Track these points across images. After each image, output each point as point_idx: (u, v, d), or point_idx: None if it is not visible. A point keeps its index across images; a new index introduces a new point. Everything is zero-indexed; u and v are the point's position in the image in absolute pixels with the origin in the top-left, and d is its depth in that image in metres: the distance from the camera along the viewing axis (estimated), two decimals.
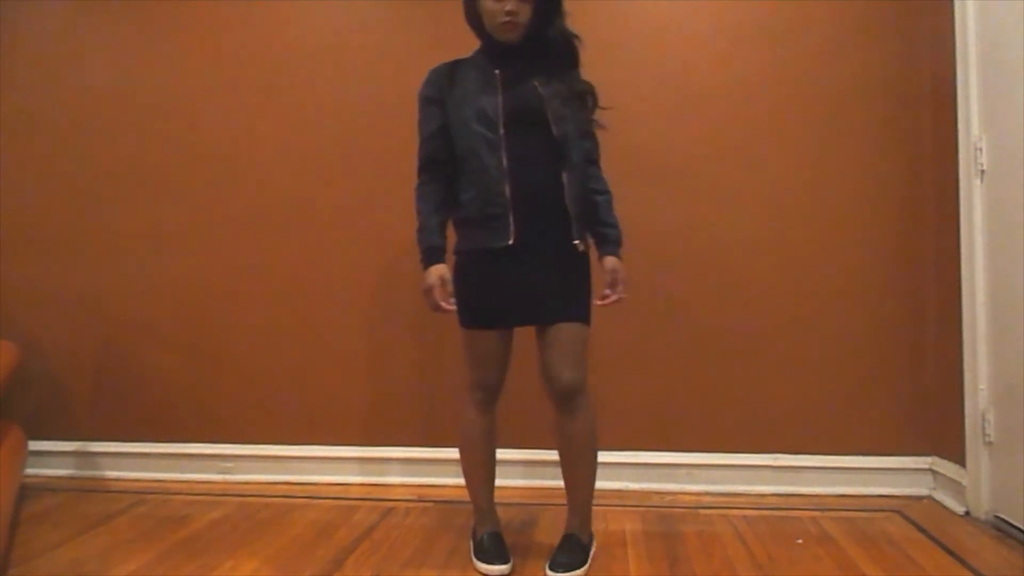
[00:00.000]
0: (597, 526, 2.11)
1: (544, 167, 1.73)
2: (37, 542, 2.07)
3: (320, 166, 2.60)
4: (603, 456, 2.36)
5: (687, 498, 2.35)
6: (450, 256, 1.82)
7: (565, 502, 1.85)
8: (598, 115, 1.84)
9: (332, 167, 2.59)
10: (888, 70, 2.34)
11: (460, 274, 1.81)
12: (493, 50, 1.79)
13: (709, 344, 2.42)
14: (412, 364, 2.56)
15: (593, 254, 1.86)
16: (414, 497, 2.40)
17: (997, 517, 2.03)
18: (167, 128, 2.69)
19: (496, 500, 1.96)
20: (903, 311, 2.35)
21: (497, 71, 1.75)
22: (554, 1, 1.75)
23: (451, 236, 1.84)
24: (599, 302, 1.80)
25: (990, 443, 2.06)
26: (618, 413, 2.42)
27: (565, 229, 1.74)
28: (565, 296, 1.75)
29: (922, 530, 2.02)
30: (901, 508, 2.20)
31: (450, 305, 1.77)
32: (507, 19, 1.70)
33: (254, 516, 2.27)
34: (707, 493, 2.38)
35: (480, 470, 1.91)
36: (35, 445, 2.53)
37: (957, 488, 2.17)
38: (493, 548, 1.83)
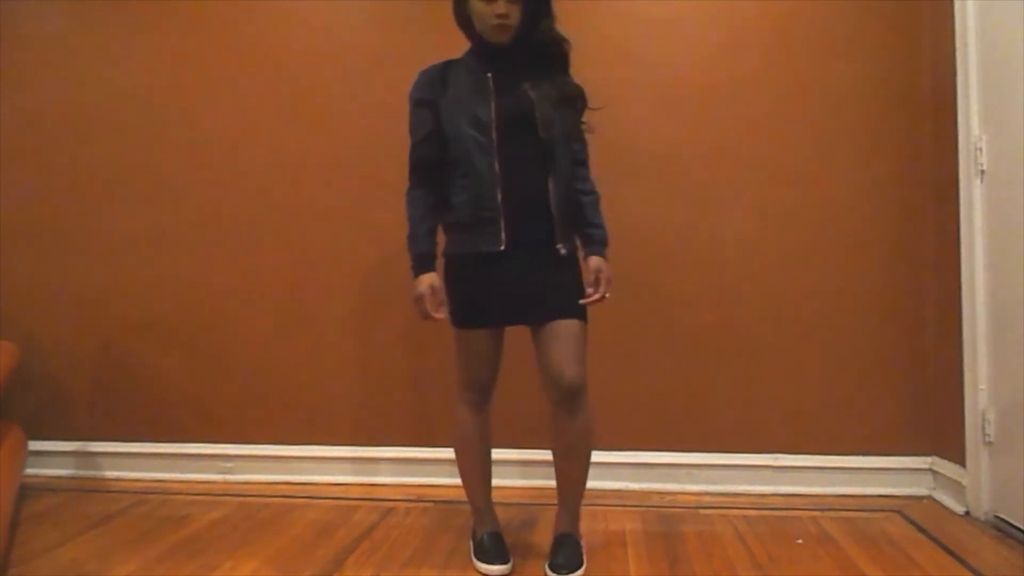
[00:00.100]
0: (597, 526, 2.11)
1: (534, 171, 1.74)
2: (37, 542, 2.07)
3: (319, 166, 2.60)
4: (603, 456, 2.38)
5: (687, 498, 2.35)
6: (439, 258, 1.83)
7: (556, 501, 1.85)
8: (587, 117, 1.84)
9: (331, 167, 2.59)
10: (888, 70, 2.34)
11: (451, 276, 1.82)
12: (484, 52, 1.78)
13: (709, 344, 2.42)
14: (412, 365, 2.56)
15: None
16: (414, 497, 2.40)
17: (997, 517, 2.03)
18: (167, 128, 2.69)
19: (495, 500, 1.96)
20: (903, 311, 2.35)
21: (489, 74, 1.75)
22: (544, 3, 1.75)
23: (440, 238, 1.85)
24: (582, 300, 1.80)
25: (990, 443, 2.06)
26: (618, 413, 2.42)
27: (550, 232, 1.75)
28: (561, 294, 1.75)
29: (922, 530, 2.03)
30: (901, 508, 2.20)
31: (440, 314, 1.78)
32: (498, 21, 1.70)
33: (254, 516, 2.27)
34: (707, 493, 2.38)
35: (476, 470, 1.91)
36: (35, 445, 2.53)
37: (957, 488, 2.17)
38: (493, 548, 1.83)
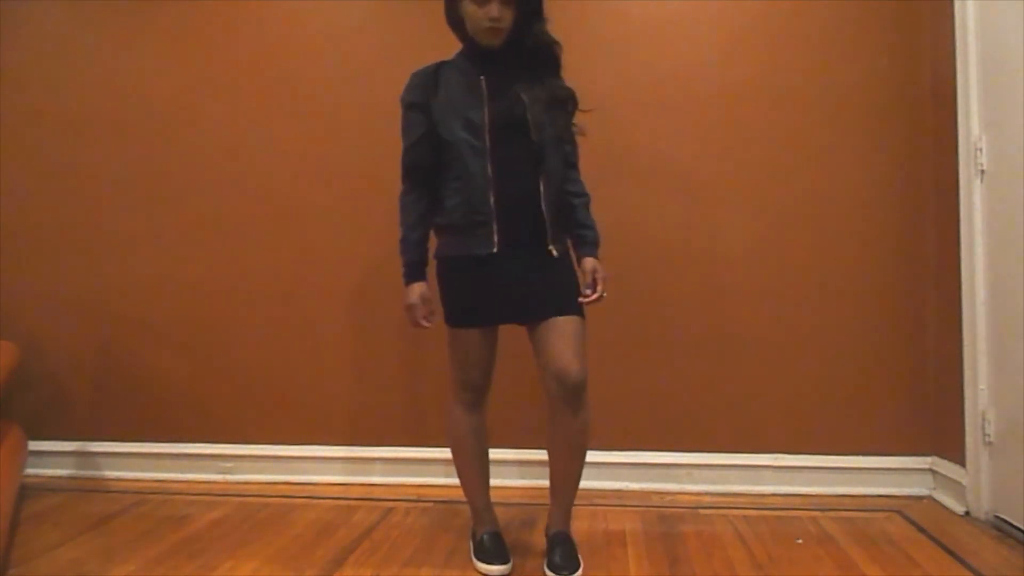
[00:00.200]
0: (597, 526, 2.12)
1: (526, 173, 1.74)
2: (37, 542, 2.07)
3: (318, 167, 2.60)
4: (603, 456, 2.39)
5: (687, 498, 2.35)
6: (432, 259, 1.85)
7: (550, 500, 1.85)
8: (578, 119, 1.84)
9: (330, 168, 2.59)
10: (888, 70, 2.34)
11: (443, 277, 1.83)
12: (476, 54, 1.79)
13: (709, 344, 2.42)
14: (411, 365, 2.56)
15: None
16: (414, 497, 2.40)
17: (997, 517, 2.03)
18: (167, 129, 2.69)
19: (495, 500, 1.96)
20: (903, 311, 2.35)
21: (482, 77, 1.75)
22: (536, 6, 1.75)
23: (433, 240, 1.86)
24: (581, 300, 1.80)
25: (990, 443, 2.06)
26: (618, 413, 2.42)
27: (542, 234, 1.75)
28: (559, 291, 1.76)
29: (922, 530, 2.03)
30: (901, 508, 2.20)
31: (429, 323, 1.82)
32: (491, 24, 1.70)
33: (254, 516, 2.27)
34: (707, 493, 2.38)
35: (473, 470, 1.91)
36: (35, 445, 2.53)
37: (957, 488, 2.17)
38: (493, 548, 1.84)
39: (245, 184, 2.65)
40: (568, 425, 1.73)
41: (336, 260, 2.59)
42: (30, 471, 2.62)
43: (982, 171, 2.07)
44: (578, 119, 1.85)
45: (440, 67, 1.81)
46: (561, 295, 1.75)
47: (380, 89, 2.51)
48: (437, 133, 1.76)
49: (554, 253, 1.76)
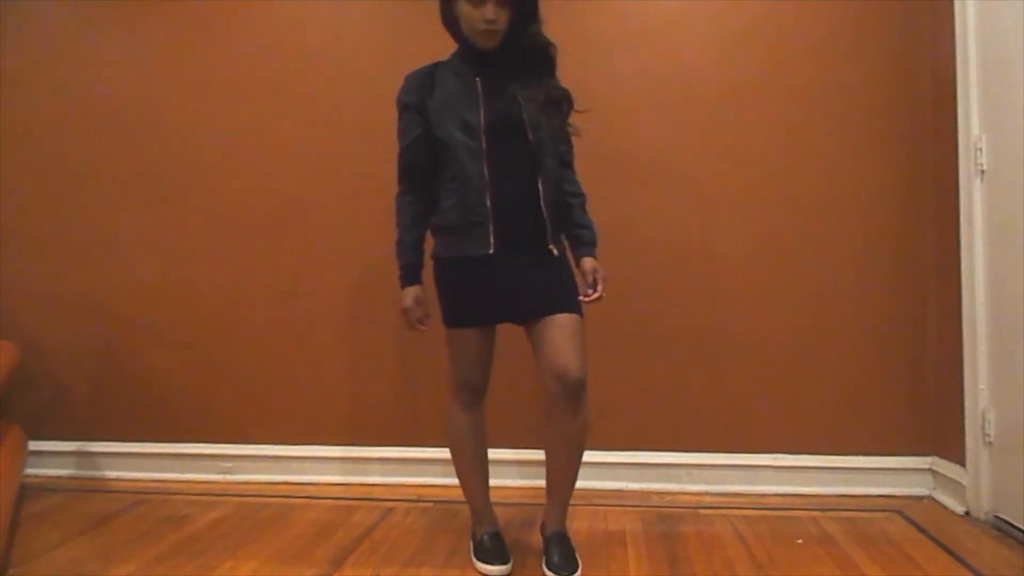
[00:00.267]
0: (597, 526, 2.12)
1: (522, 174, 1.74)
2: (37, 542, 2.07)
3: (318, 168, 2.60)
4: (603, 456, 2.40)
5: (687, 498, 2.35)
6: (429, 260, 1.85)
7: (546, 499, 1.85)
8: (573, 119, 1.85)
9: (329, 169, 2.59)
10: (888, 70, 2.34)
11: (440, 278, 1.83)
12: (471, 55, 1.79)
13: (709, 344, 2.42)
14: (412, 365, 2.56)
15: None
16: (414, 497, 2.40)
17: (997, 517, 2.03)
18: (167, 129, 2.69)
19: (495, 500, 1.96)
20: (903, 311, 2.35)
21: (477, 78, 1.76)
22: (531, 7, 1.75)
23: (429, 240, 1.87)
24: (582, 299, 1.80)
25: (990, 443, 2.06)
26: (618, 413, 2.42)
27: (540, 233, 1.76)
28: (558, 289, 1.76)
29: (922, 530, 2.03)
30: (901, 508, 2.20)
31: (424, 326, 1.84)
32: (486, 27, 1.70)
33: (254, 516, 2.27)
34: (707, 493, 2.38)
35: (472, 470, 1.91)
36: (35, 445, 2.53)
37: (957, 488, 2.17)
38: (493, 548, 1.84)
39: (245, 184, 2.65)
40: (567, 424, 1.72)
41: (336, 260, 2.59)
42: (30, 471, 2.62)
43: (982, 171, 2.07)
44: (573, 119, 1.85)
45: (436, 68, 1.82)
46: (560, 293, 1.75)
47: (379, 89, 2.50)
48: (433, 134, 1.76)
49: (554, 252, 1.77)
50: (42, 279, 2.76)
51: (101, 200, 2.73)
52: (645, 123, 2.43)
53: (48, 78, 2.76)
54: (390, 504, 2.34)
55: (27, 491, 2.46)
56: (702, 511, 2.23)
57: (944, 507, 2.21)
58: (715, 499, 2.34)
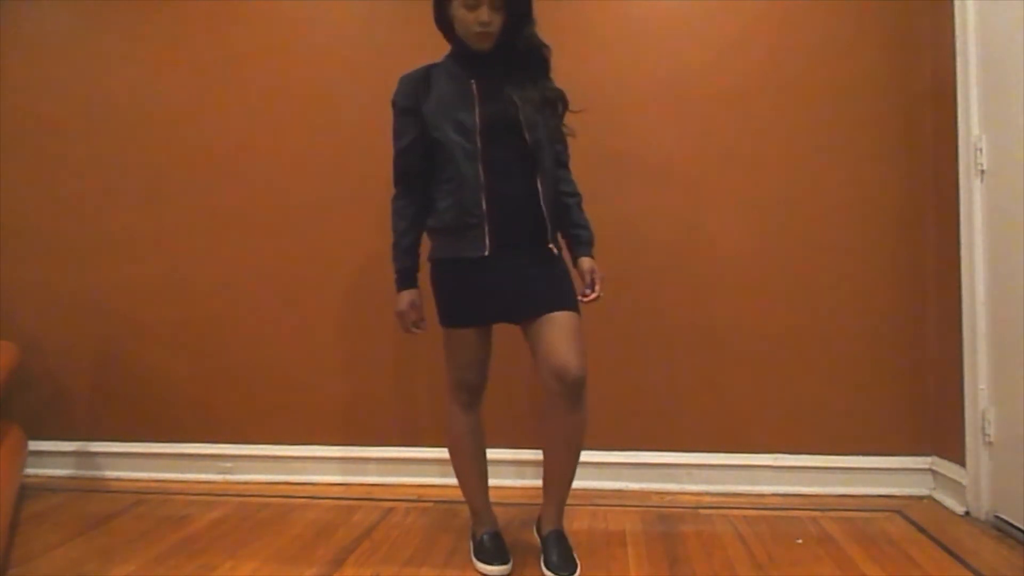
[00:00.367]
0: (597, 526, 2.12)
1: (518, 174, 1.74)
2: (37, 542, 2.07)
3: (318, 167, 2.60)
4: (603, 456, 2.40)
5: (687, 498, 2.35)
6: (425, 262, 1.86)
7: (543, 498, 1.86)
8: (568, 120, 1.85)
9: (330, 168, 2.59)
10: (888, 70, 2.34)
11: (437, 279, 1.83)
12: (466, 57, 1.79)
13: (709, 344, 2.42)
14: (412, 366, 2.56)
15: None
16: (414, 497, 2.40)
17: (997, 517, 2.03)
18: (167, 129, 2.69)
19: (494, 501, 1.96)
20: (903, 310, 2.34)
21: (472, 80, 1.76)
22: (525, 9, 1.75)
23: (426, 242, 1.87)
24: (581, 299, 1.80)
25: (990, 443, 2.06)
26: (618, 413, 2.42)
27: (540, 233, 1.76)
28: (555, 287, 1.76)
29: (922, 530, 2.03)
30: (901, 508, 2.20)
31: (419, 329, 1.85)
32: (480, 29, 1.70)
33: (254, 516, 2.27)
34: (707, 493, 2.38)
35: (471, 470, 1.91)
36: (35, 445, 2.53)
37: (957, 488, 2.17)
38: (493, 548, 1.84)
39: (245, 184, 2.65)
40: (566, 422, 1.72)
41: (336, 260, 2.59)
42: (30, 471, 2.62)
43: (982, 171, 2.07)
44: (568, 119, 1.85)
45: (430, 70, 1.82)
46: (557, 292, 1.75)
47: (380, 89, 2.49)
48: (429, 136, 1.76)
49: (554, 251, 1.77)
50: (42, 279, 2.76)
51: (101, 200, 2.73)
52: (644, 123, 2.43)
53: (48, 78, 2.76)
54: (390, 504, 2.34)
55: (27, 491, 2.46)
56: (702, 511, 2.23)
57: (944, 507, 2.21)
58: (715, 499, 2.34)
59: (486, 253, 1.72)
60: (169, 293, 2.69)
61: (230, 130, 2.65)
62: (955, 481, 2.18)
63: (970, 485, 2.11)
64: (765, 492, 2.37)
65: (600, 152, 2.38)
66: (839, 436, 2.36)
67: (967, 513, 2.12)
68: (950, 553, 1.86)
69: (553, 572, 1.71)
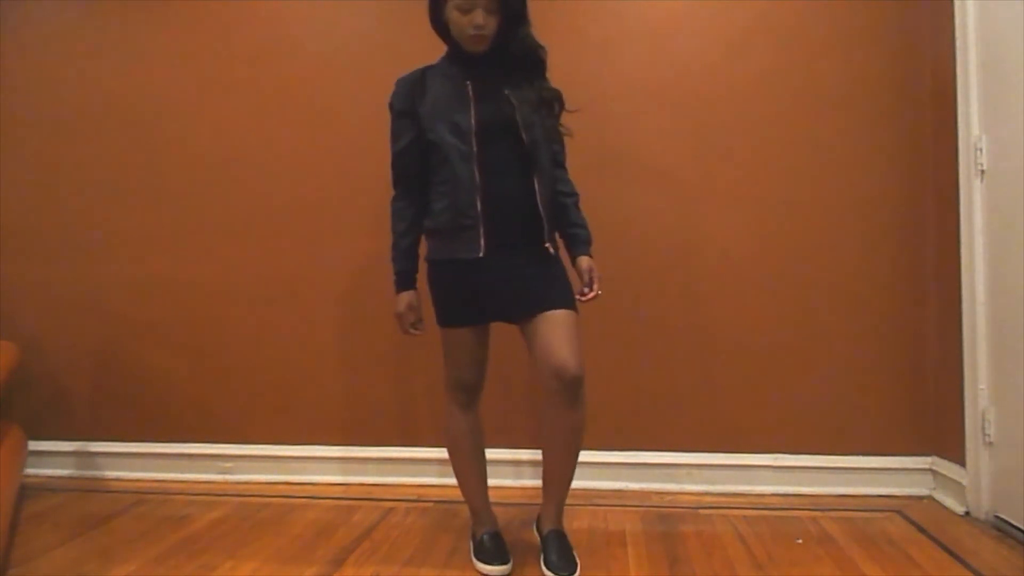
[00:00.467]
0: (597, 526, 2.12)
1: (514, 174, 1.75)
2: (37, 542, 2.07)
3: (317, 167, 2.60)
4: (603, 456, 2.40)
5: (687, 498, 2.35)
6: (423, 263, 1.87)
7: (543, 497, 1.86)
8: (565, 119, 1.86)
9: (328, 168, 2.59)
10: (888, 70, 2.34)
11: (433, 280, 1.84)
12: (461, 58, 1.79)
13: (709, 344, 2.42)
14: (412, 366, 2.56)
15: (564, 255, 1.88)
16: (414, 497, 2.40)
17: (997, 517, 2.03)
18: (166, 130, 2.69)
19: (494, 501, 1.96)
20: (903, 310, 2.34)
21: (468, 82, 1.76)
22: (520, 10, 1.75)
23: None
24: (579, 298, 1.80)
25: (990, 443, 2.06)
26: (618, 413, 2.42)
27: (537, 232, 1.76)
28: (552, 286, 1.76)
29: (922, 530, 2.02)
30: (901, 508, 2.20)
31: (417, 330, 1.86)
32: (475, 32, 1.71)
33: (254, 516, 2.27)
34: (707, 493, 2.38)
35: (470, 470, 1.91)
36: (35, 445, 2.53)
37: (957, 488, 2.17)
38: (493, 548, 1.84)
39: (245, 184, 2.65)
40: (565, 421, 1.72)
41: (336, 260, 2.59)
42: (30, 471, 2.62)
43: (982, 171, 2.07)
44: (565, 119, 1.86)
45: (426, 72, 1.82)
46: (554, 290, 1.75)
47: (380, 89, 2.49)
48: (425, 138, 1.77)
49: (551, 250, 1.77)
50: (42, 279, 2.76)
51: (101, 200, 2.73)
52: (643, 123, 2.43)
53: (48, 78, 2.76)
54: (390, 504, 2.34)
55: (27, 491, 2.46)
56: (702, 511, 2.23)
57: (944, 507, 2.21)
58: (715, 499, 2.34)
59: (480, 255, 1.72)
60: (169, 293, 2.69)
61: (230, 130, 2.65)
62: (955, 481, 2.18)
63: (970, 485, 2.11)
64: (765, 492, 2.37)
65: (599, 152, 2.38)
66: (839, 436, 2.36)
67: (967, 513, 2.12)
68: (950, 553, 1.86)
69: (553, 572, 1.71)
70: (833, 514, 2.17)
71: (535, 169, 1.75)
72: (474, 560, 1.85)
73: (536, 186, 1.74)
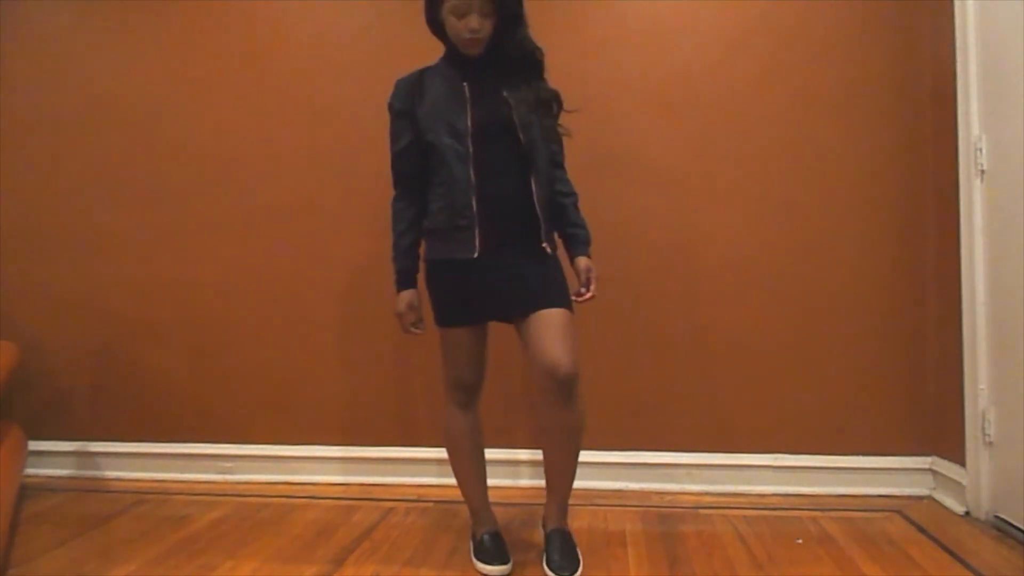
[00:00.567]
0: (597, 526, 2.11)
1: (511, 175, 1.75)
2: (37, 542, 2.07)
3: (316, 167, 2.60)
4: (603, 456, 2.40)
5: (687, 498, 2.35)
6: (422, 262, 1.87)
7: (546, 496, 1.85)
8: (563, 120, 1.86)
9: (328, 167, 2.59)
10: (888, 70, 2.34)
11: (431, 280, 1.84)
12: (459, 59, 1.80)
13: (709, 344, 2.42)
14: (412, 366, 2.56)
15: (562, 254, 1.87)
16: (414, 497, 2.41)
17: (997, 517, 2.03)
18: (166, 129, 2.69)
19: (494, 501, 1.96)
20: (903, 311, 2.34)
21: (465, 83, 1.76)
22: (516, 12, 1.75)
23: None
24: (575, 298, 1.80)
25: (990, 443, 2.06)
26: (618, 413, 2.42)
27: (534, 232, 1.76)
28: (548, 285, 1.76)
29: (922, 530, 2.03)
30: (901, 508, 2.20)
31: (417, 329, 1.86)
32: (470, 36, 1.71)
33: (254, 516, 2.27)
34: (707, 493, 2.38)
35: (469, 470, 1.91)
36: (35, 445, 2.53)
37: (957, 488, 2.17)
38: (493, 548, 1.84)
39: (245, 184, 2.65)
40: (561, 419, 1.72)
41: (336, 260, 2.59)
42: (30, 471, 2.62)
43: (982, 171, 2.07)
44: (563, 119, 1.86)
45: (424, 73, 1.83)
46: (550, 289, 1.76)
47: (379, 89, 2.50)
48: (423, 139, 1.77)
49: (548, 250, 1.77)
50: (42, 279, 2.76)
51: (101, 200, 2.73)
52: (643, 123, 2.43)
53: (47, 78, 2.76)
54: (390, 504, 2.34)
55: (27, 491, 2.46)
56: (702, 511, 2.23)
57: (944, 507, 2.21)
58: (715, 499, 2.34)
59: (476, 255, 1.72)
60: (169, 293, 2.69)
61: (230, 130, 2.65)
62: (955, 481, 2.18)
63: (970, 485, 2.11)
64: (765, 492, 2.37)
65: (599, 152, 2.38)
66: (839, 436, 2.36)
67: (967, 513, 2.12)
68: (950, 553, 1.86)
69: (553, 571, 1.71)
70: (833, 514, 2.17)
71: (533, 169, 1.75)
72: (474, 560, 1.85)
73: (533, 186, 1.75)
